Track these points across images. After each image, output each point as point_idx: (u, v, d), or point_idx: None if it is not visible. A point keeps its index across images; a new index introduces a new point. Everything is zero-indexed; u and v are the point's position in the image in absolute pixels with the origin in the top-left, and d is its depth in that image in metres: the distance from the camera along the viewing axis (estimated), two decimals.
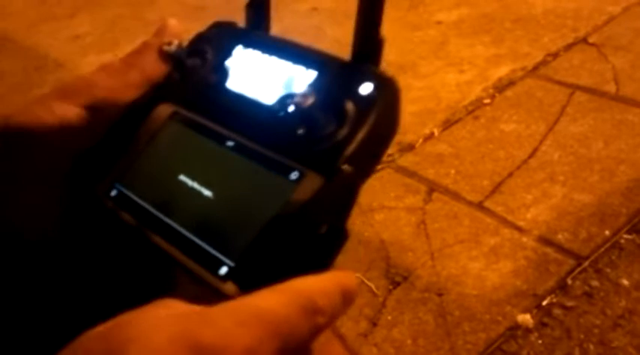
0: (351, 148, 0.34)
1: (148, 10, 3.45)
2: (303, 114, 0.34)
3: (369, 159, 0.35)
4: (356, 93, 0.35)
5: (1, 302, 0.41)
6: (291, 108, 0.34)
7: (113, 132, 0.41)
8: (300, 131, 0.35)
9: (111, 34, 3.31)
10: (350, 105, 0.35)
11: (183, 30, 0.43)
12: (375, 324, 1.53)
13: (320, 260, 0.33)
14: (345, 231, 0.34)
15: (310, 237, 0.32)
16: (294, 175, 0.34)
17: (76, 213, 0.41)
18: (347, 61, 0.37)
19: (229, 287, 0.33)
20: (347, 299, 0.31)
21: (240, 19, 0.43)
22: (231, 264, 0.33)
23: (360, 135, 0.34)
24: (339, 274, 0.31)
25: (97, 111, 0.40)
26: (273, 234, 0.33)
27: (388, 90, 0.36)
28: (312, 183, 0.33)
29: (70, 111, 0.40)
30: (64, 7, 3.68)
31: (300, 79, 0.38)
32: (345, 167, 0.33)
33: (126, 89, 0.41)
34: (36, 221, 0.41)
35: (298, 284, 0.29)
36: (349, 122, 0.34)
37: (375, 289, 1.61)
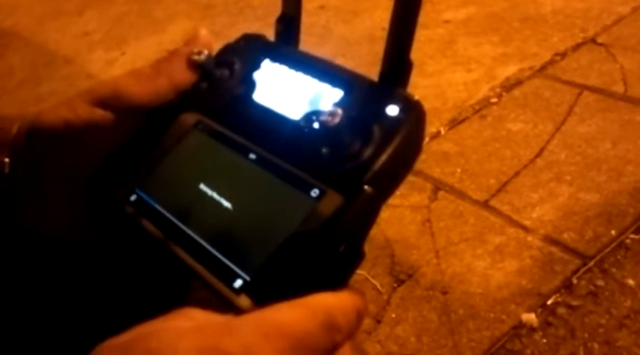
0: (374, 170, 0.34)
1: (155, 7, 3.46)
2: (329, 132, 0.34)
3: (391, 180, 0.35)
4: (382, 114, 0.35)
5: (20, 300, 0.42)
6: (316, 125, 0.35)
7: (137, 137, 0.42)
8: (324, 149, 0.35)
9: (118, 30, 3.32)
10: (375, 127, 0.35)
11: (213, 41, 0.43)
12: (379, 322, 1.53)
13: (335, 278, 0.33)
14: (362, 251, 0.34)
15: (327, 256, 0.32)
16: (314, 193, 0.34)
17: (97, 216, 0.42)
18: (374, 82, 0.37)
19: (243, 300, 0.33)
20: (360, 318, 0.31)
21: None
22: (247, 277, 0.33)
23: (384, 157, 0.34)
24: (354, 293, 0.32)
25: (123, 115, 0.41)
26: (290, 251, 0.33)
27: (414, 113, 0.35)
28: (333, 202, 0.33)
29: (96, 114, 0.40)
30: (73, 3, 3.70)
31: (326, 96, 0.38)
32: (367, 188, 0.33)
33: (153, 95, 0.41)
34: (58, 221, 0.42)
35: (318, 300, 0.30)
36: (374, 143, 0.34)
37: (379, 287, 1.61)
